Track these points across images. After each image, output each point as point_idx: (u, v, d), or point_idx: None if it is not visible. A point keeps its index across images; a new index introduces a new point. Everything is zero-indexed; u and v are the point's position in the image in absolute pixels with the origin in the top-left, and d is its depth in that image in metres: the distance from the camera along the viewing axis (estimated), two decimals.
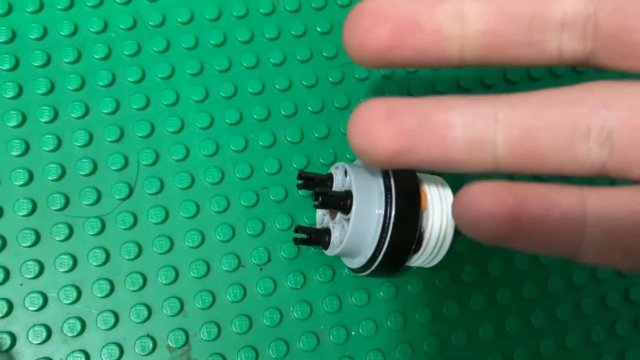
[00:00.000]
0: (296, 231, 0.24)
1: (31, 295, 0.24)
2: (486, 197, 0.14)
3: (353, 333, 0.26)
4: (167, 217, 0.26)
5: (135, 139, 0.27)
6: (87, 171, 0.26)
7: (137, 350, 0.25)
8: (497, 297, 0.28)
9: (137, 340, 0.25)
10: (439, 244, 0.23)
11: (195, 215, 0.27)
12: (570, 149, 0.14)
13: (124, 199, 0.26)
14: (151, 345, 0.25)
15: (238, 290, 0.26)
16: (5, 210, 0.25)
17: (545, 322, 0.28)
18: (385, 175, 0.23)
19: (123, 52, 0.28)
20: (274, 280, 0.26)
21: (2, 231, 0.25)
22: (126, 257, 0.26)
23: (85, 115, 0.27)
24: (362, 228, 0.22)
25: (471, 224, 0.14)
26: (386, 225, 0.22)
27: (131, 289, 0.25)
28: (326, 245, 0.24)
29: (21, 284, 0.25)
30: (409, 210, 0.22)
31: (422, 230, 0.23)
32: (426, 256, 0.24)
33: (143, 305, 0.25)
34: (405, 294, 0.27)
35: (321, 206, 0.23)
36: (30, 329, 0.24)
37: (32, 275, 0.25)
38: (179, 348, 0.25)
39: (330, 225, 0.24)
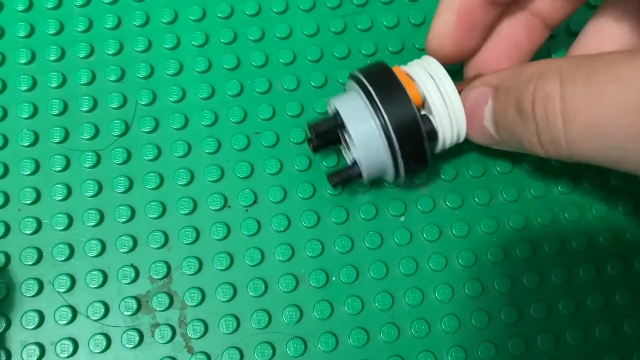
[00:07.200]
0: (330, 180, 0.24)
1: (26, 219, 0.26)
2: None
3: (334, 279, 0.26)
4: (159, 155, 0.27)
5: (135, 79, 0.28)
6: (87, 108, 0.27)
7: (119, 279, 0.25)
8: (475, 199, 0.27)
9: (120, 268, 0.25)
10: (452, 114, 0.23)
11: (186, 155, 0.27)
12: None
13: (120, 136, 0.27)
14: (133, 274, 0.25)
15: (222, 229, 0.26)
16: (9, 140, 0.27)
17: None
18: (363, 86, 0.22)
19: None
20: (258, 222, 0.26)
21: (4, 159, 0.26)
22: (117, 191, 0.26)
23: (90, 56, 0.28)
24: (366, 140, 0.22)
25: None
26: (387, 132, 0.22)
27: (119, 220, 0.26)
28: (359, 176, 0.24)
29: (19, 209, 0.26)
30: (398, 108, 0.22)
31: (427, 116, 0.23)
32: (449, 133, 0.23)
33: (129, 237, 0.26)
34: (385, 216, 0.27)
35: (315, 141, 0.24)
36: (23, 250, 0.25)
37: (29, 202, 0.26)
38: (160, 279, 0.26)
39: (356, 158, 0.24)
